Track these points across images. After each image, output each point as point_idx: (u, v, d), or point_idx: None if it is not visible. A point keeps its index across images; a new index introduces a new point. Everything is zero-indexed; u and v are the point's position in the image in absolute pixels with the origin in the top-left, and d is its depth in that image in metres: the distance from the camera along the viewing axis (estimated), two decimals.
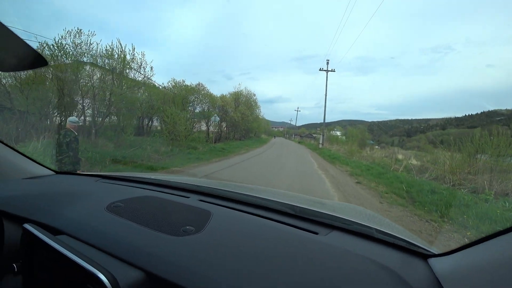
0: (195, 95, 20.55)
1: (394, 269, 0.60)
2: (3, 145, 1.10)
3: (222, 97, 25.03)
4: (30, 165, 1.22)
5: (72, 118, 4.48)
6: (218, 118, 15.59)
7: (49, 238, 0.59)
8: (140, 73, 11.18)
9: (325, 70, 25.01)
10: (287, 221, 0.83)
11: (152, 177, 1.34)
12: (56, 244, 0.57)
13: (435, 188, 6.13)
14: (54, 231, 0.70)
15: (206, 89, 21.41)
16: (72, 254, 0.54)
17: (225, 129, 26.66)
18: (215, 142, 22.66)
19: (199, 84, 20.81)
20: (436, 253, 0.68)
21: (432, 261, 0.66)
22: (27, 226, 0.64)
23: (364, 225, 0.80)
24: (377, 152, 22.49)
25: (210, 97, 21.64)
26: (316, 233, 0.76)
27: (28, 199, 0.89)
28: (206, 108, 22.99)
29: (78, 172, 1.79)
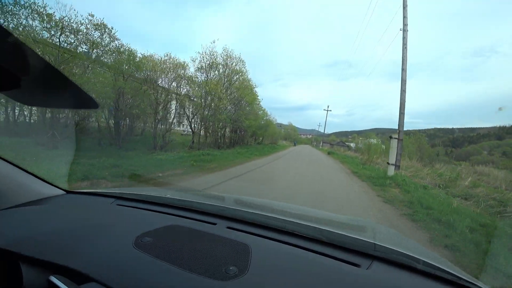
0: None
1: None
2: (8, 163, 1.02)
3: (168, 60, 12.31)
4: (38, 184, 1.13)
5: None
6: None
7: None
8: None
9: None
10: (326, 251, 0.79)
11: (169, 195, 1.24)
12: None
13: None
14: (80, 276, 0.61)
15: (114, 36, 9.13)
16: None
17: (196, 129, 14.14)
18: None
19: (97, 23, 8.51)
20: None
21: None
22: (52, 279, 0.58)
23: (410, 255, 0.75)
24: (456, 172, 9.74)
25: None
26: (358, 265, 0.73)
27: (45, 235, 0.76)
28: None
29: (89, 191, 1.34)
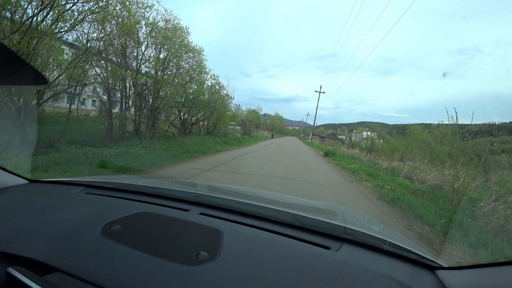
0: None
1: (405, 282, 0.62)
2: None
3: None
4: None
5: None
6: None
7: (38, 285, 0.49)
8: None
9: None
10: (298, 235, 0.80)
11: (141, 183, 1.19)
12: None
13: None
14: (43, 267, 0.59)
15: None
16: None
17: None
18: None
19: None
20: (444, 265, 0.71)
21: (440, 273, 0.68)
22: (10, 270, 0.54)
23: (377, 237, 0.79)
24: None
25: None
26: (328, 248, 0.75)
27: (3, 226, 0.71)
28: None
29: (56, 179, 1.24)
